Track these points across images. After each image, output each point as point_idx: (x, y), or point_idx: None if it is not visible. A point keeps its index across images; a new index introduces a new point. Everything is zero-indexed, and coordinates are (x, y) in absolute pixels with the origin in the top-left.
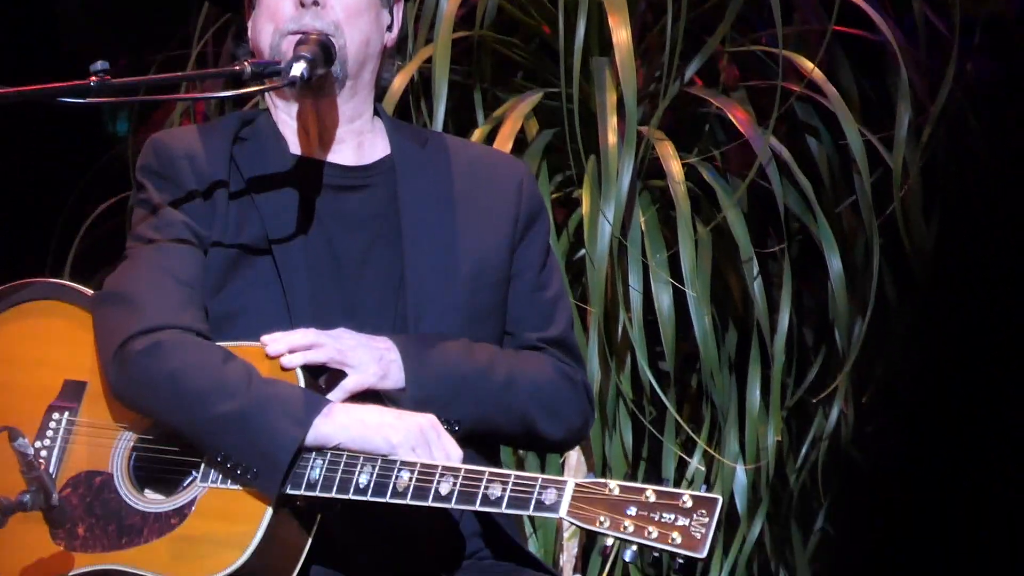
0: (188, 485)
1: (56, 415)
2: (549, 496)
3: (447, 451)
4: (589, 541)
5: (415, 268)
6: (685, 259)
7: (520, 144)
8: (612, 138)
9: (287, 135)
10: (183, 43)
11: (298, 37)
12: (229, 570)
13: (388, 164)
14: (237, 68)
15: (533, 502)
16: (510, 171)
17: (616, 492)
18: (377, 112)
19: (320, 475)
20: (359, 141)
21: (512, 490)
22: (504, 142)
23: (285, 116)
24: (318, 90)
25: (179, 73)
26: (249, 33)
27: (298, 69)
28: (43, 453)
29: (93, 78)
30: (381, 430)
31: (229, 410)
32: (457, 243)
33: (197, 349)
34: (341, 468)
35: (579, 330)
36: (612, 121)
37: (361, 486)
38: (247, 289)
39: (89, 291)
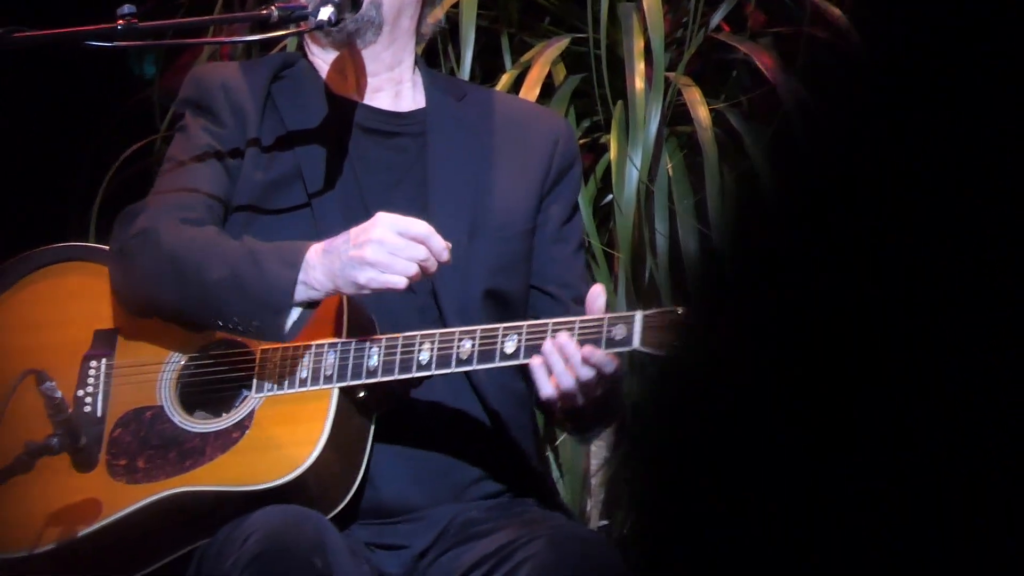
0: (241, 402)
1: (93, 363)
2: (619, 331)
3: (413, 232)
4: (617, 487)
5: (439, 221)
6: (711, 205)
7: (547, 90)
8: (639, 84)
9: (325, 78)
10: None
11: None
12: (304, 466)
13: (422, 116)
14: (264, 12)
15: (604, 340)
16: (548, 126)
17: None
18: (416, 63)
19: (379, 361)
20: (397, 90)
21: (580, 333)
22: (531, 88)
23: (321, 61)
24: (353, 35)
25: (206, 17)
26: None
27: (325, 13)
28: (87, 400)
29: (120, 22)
30: (354, 268)
31: (224, 274)
32: (485, 198)
33: (191, 229)
34: (399, 351)
35: (606, 275)
36: (639, 67)
37: (423, 362)
38: (278, 222)
39: (102, 247)
